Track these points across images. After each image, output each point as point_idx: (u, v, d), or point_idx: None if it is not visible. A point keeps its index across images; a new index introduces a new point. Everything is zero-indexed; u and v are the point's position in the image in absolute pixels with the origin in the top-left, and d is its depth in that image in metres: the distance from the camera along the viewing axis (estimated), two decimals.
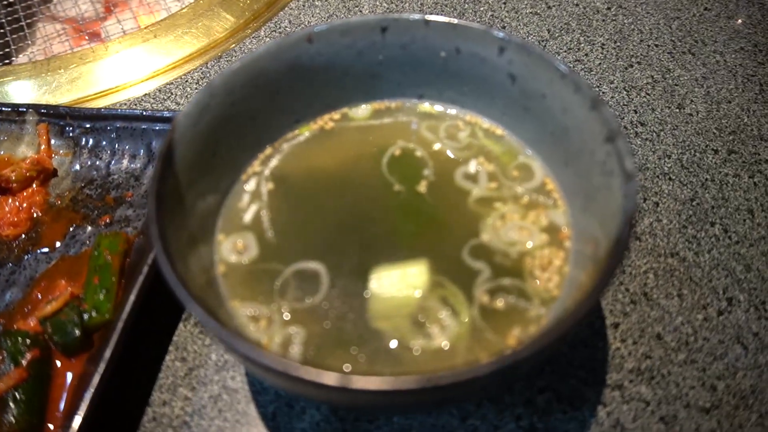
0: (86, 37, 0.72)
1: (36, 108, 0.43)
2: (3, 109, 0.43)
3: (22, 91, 0.50)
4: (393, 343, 0.26)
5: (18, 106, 0.43)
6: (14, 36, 0.71)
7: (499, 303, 0.27)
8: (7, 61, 0.69)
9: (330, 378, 0.19)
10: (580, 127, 0.28)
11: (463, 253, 0.29)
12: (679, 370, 0.32)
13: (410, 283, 0.28)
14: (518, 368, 0.20)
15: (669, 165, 0.42)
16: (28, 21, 0.74)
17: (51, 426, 0.30)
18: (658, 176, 0.42)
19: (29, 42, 0.73)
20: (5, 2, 0.75)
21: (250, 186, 0.32)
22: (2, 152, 0.42)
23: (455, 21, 0.32)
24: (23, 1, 0.75)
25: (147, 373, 0.33)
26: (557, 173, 0.31)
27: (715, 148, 0.43)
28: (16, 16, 0.73)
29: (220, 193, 0.32)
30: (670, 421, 0.31)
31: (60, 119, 0.43)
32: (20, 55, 0.70)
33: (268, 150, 0.34)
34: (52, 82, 0.50)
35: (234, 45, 0.54)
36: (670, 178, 0.41)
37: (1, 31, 0.71)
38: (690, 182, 0.41)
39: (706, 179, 0.41)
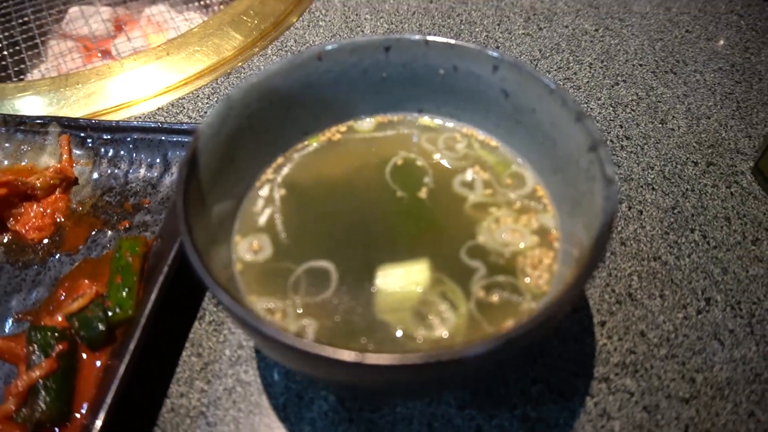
0: (98, 54, 0.75)
1: (58, 120, 0.45)
2: (27, 121, 0.45)
3: (42, 104, 0.52)
4: (398, 333, 0.29)
5: (41, 118, 0.45)
6: (29, 53, 0.74)
7: (494, 298, 0.30)
8: (21, 76, 0.72)
9: (347, 355, 0.21)
10: (567, 138, 0.31)
11: (461, 253, 0.32)
12: (660, 364, 0.35)
13: (413, 280, 0.30)
14: (509, 348, 0.22)
15: (652, 176, 0.45)
16: (42, 39, 0.77)
17: (77, 415, 0.32)
18: (642, 186, 0.45)
19: (43, 59, 0.76)
20: (20, 21, 0.78)
21: (264, 192, 0.35)
22: (26, 161, 0.45)
23: (453, 41, 0.35)
24: (38, 20, 0.79)
25: (165, 368, 0.36)
26: (547, 180, 0.34)
27: (695, 160, 0.46)
28: (30, 34, 0.76)
29: (236, 198, 0.34)
30: (653, 411, 0.33)
31: (81, 131, 0.45)
32: (34, 71, 0.73)
33: (280, 159, 0.37)
34: (70, 96, 0.53)
35: (242, 62, 0.57)
36: (653, 188, 0.44)
37: (17, 48, 0.74)
38: (671, 192, 0.44)
39: (687, 189, 0.44)
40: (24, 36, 0.76)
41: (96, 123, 0.45)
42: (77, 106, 0.52)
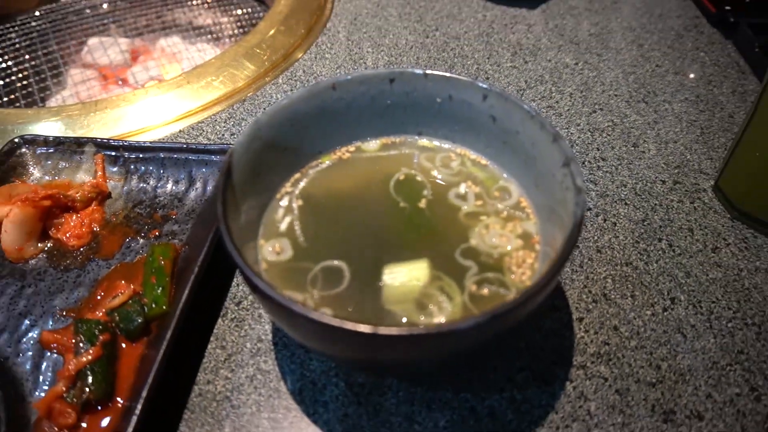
0: (119, 83, 0.81)
1: (94, 141, 0.50)
2: (65, 141, 0.50)
3: (75, 126, 0.57)
4: (403, 320, 0.33)
5: (78, 139, 0.51)
6: (54, 80, 0.80)
7: (484, 291, 0.35)
8: (46, 102, 0.78)
9: (364, 328, 0.26)
10: (545, 156, 0.36)
11: (456, 254, 0.37)
12: (631, 353, 0.40)
13: (415, 276, 0.35)
14: (495, 323, 0.27)
15: (625, 192, 0.51)
16: (65, 68, 0.83)
17: (119, 399, 0.36)
18: (616, 201, 0.50)
19: (65, 86, 0.82)
20: (44, 51, 0.84)
21: (284, 202, 0.40)
22: (63, 177, 0.50)
23: (448, 74, 0.41)
24: (61, 50, 0.85)
25: (194, 358, 0.40)
26: (529, 193, 0.39)
27: (662, 179, 0.52)
28: (55, 63, 0.82)
29: (260, 207, 0.39)
30: (624, 393, 0.38)
31: (113, 150, 0.50)
32: (57, 97, 0.79)
33: (297, 174, 0.42)
34: (100, 119, 0.58)
35: (255, 91, 0.63)
36: (626, 203, 0.50)
37: (43, 76, 0.80)
38: (642, 206, 0.50)
39: (655, 204, 0.50)
40: (49, 65, 0.81)
41: (127, 143, 0.50)
42: (107, 128, 0.58)
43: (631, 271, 0.45)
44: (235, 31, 0.90)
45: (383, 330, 0.26)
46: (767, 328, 0.41)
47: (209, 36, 0.92)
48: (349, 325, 0.26)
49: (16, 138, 0.50)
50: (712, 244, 0.46)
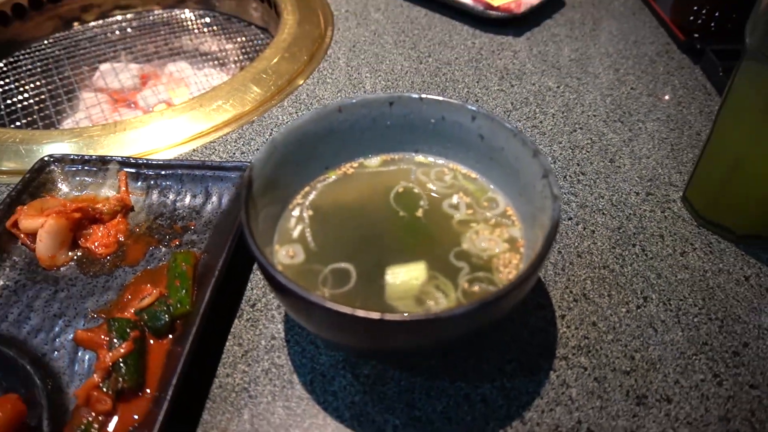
0: (131, 105, 0.86)
1: (117, 159, 0.55)
2: (91, 159, 0.55)
3: (96, 146, 0.62)
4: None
5: (104, 157, 0.55)
6: (69, 103, 0.85)
7: (475, 288, 0.39)
8: (62, 123, 0.82)
9: (374, 315, 0.31)
10: (527, 169, 0.41)
11: (450, 256, 0.41)
12: (608, 346, 0.44)
13: (414, 276, 0.40)
14: (483, 310, 0.32)
15: (602, 203, 0.56)
16: (79, 91, 0.88)
17: (148, 390, 0.40)
18: (594, 211, 0.55)
19: (79, 108, 0.87)
20: (60, 75, 0.89)
21: (296, 212, 0.45)
22: (89, 192, 0.54)
23: (441, 98, 0.46)
24: (75, 75, 0.90)
25: (213, 355, 0.44)
26: (514, 202, 0.44)
27: (636, 191, 0.57)
28: (69, 87, 0.87)
29: (275, 217, 0.44)
30: (602, 380, 0.42)
31: (135, 167, 0.55)
32: (70, 119, 0.84)
33: (307, 188, 0.47)
34: (119, 140, 0.63)
35: (263, 113, 0.68)
36: (603, 213, 0.55)
37: (59, 99, 0.84)
38: (618, 215, 0.55)
39: (630, 213, 0.55)
40: (64, 89, 0.86)
41: (147, 161, 0.55)
42: (126, 147, 0.62)
43: (608, 273, 0.49)
44: (240, 57, 0.96)
45: (389, 316, 0.31)
46: (728, 322, 0.46)
47: (215, 62, 0.97)
48: (361, 313, 0.31)
49: (45, 156, 0.55)
50: (681, 248, 0.51)
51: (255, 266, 0.50)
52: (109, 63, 0.95)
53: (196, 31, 1.01)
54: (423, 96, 0.47)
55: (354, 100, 0.46)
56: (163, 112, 0.66)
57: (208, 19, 1.03)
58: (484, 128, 0.45)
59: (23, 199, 0.52)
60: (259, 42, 0.97)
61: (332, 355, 0.44)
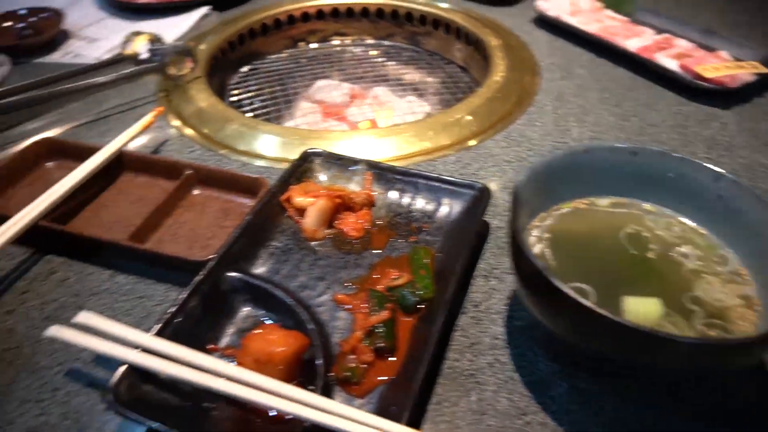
0: (340, 119, 0.99)
1: (366, 161, 0.65)
2: (344, 158, 0.65)
3: (344, 147, 0.73)
4: None
5: (354, 158, 0.65)
6: (288, 110, 0.99)
7: (712, 332, 0.43)
8: (282, 124, 0.96)
9: (642, 327, 0.35)
10: None
11: (683, 299, 0.45)
12: None
13: (651, 310, 0.44)
14: (746, 349, 0.35)
15: None
16: (298, 101, 1.02)
17: (395, 356, 0.47)
18: None
19: (296, 115, 1.01)
20: (284, 85, 1.04)
21: (536, 233, 0.51)
22: (339, 183, 0.64)
23: (686, 157, 0.50)
24: (297, 86, 1.04)
25: (442, 342, 0.51)
26: (750, 264, 0.47)
27: None
28: (288, 97, 1.02)
29: None
30: None
31: (380, 170, 0.64)
32: (288, 122, 0.98)
33: (544, 215, 0.53)
34: (356, 144, 0.74)
35: (477, 143, 0.76)
36: None
37: (279, 106, 0.99)
38: None
39: None
40: (285, 97, 1.01)
41: (391, 167, 0.64)
42: (361, 151, 0.73)
43: None
44: (440, 90, 1.06)
45: (657, 333, 0.35)
46: None
47: (415, 91, 1.08)
48: (631, 324, 0.36)
49: (308, 149, 0.66)
50: None
51: (475, 272, 0.57)
52: (324, 80, 1.09)
53: (401, 62, 1.14)
54: (665, 151, 0.51)
55: (603, 145, 0.52)
56: (391, 129, 0.77)
57: (412, 53, 1.15)
58: (726, 190, 0.49)
59: (291, 181, 0.63)
60: (458, 77, 1.07)
61: (549, 364, 0.49)
